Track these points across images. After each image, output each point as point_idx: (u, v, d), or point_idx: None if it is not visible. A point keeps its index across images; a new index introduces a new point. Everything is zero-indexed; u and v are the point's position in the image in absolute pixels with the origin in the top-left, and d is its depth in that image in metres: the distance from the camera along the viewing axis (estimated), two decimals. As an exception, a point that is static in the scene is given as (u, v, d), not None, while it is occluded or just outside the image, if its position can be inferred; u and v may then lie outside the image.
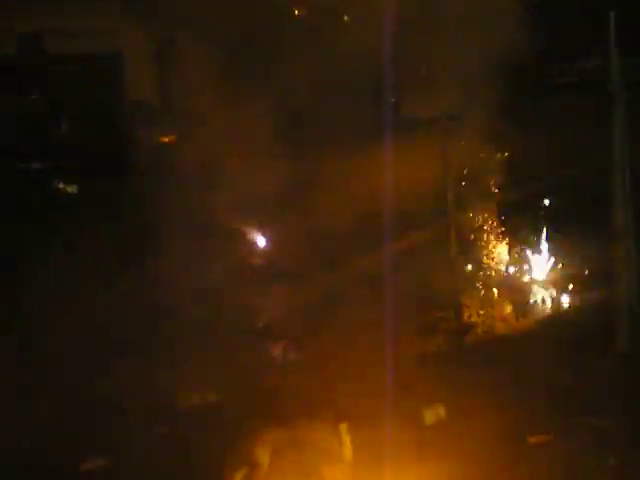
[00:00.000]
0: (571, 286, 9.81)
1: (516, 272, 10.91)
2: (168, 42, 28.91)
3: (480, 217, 12.94)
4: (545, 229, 11.56)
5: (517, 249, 11.72)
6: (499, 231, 11.72)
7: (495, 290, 9.97)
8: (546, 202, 12.65)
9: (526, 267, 11.77)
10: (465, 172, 11.48)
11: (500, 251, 11.93)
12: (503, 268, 11.06)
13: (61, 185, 15.89)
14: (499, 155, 16.37)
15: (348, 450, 5.25)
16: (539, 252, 11.26)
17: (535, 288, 10.38)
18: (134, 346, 8.99)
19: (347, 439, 5.22)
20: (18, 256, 11.93)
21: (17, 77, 20.52)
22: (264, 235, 12.07)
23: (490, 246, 11.18)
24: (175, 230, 11.86)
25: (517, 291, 10.16)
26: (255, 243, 11.82)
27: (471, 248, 11.40)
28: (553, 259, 10.66)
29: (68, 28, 24.95)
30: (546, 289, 10.63)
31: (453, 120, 13.66)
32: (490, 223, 11.99)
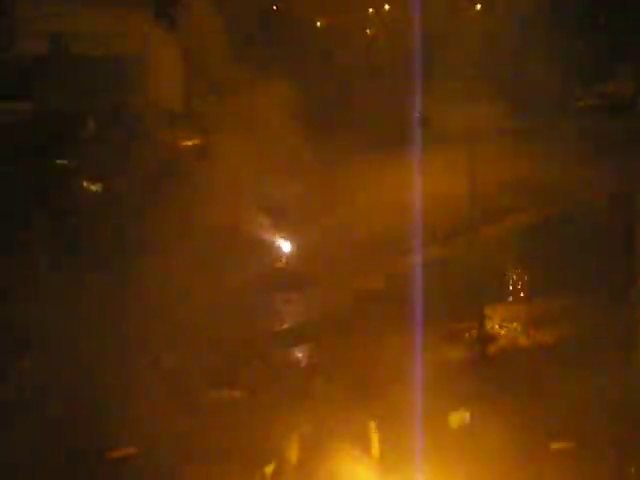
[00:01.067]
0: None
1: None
2: (192, 49, 29.20)
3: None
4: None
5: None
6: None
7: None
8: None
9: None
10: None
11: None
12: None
13: (85, 184, 16.09)
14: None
15: (376, 449, 5.40)
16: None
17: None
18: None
19: (375, 438, 5.37)
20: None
21: (47, 76, 20.76)
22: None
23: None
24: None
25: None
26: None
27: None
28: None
29: (94, 31, 25.26)
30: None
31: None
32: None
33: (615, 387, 6.40)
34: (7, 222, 12.45)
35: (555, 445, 5.43)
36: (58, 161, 14.68)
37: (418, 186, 17.24)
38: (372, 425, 5.39)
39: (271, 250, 10.47)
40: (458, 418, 5.82)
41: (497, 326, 7.99)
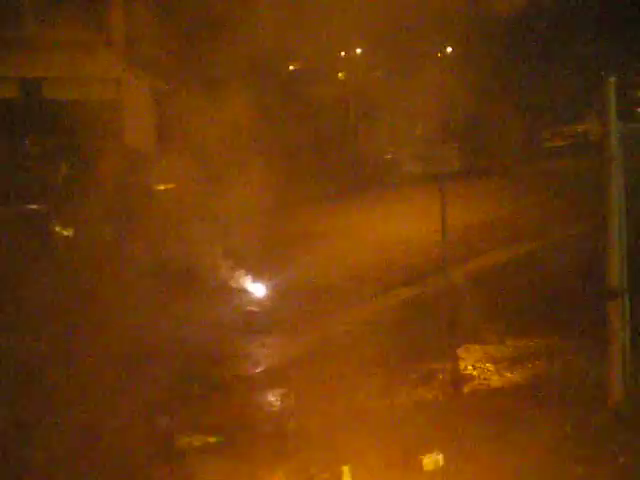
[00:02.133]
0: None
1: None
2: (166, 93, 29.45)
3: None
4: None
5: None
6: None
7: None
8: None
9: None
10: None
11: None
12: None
13: (58, 228, 16.04)
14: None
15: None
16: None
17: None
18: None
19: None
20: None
21: (19, 121, 20.79)
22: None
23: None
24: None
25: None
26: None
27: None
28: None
29: (67, 75, 25.33)
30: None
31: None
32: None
33: (587, 427, 6.42)
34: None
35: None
36: (29, 206, 14.63)
37: (388, 227, 17.43)
38: (346, 469, 5.34)
39: (243, 294, 10.48)
40: (432, 461, 5.79)
41: (470, 367, 7.99)
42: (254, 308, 9.81)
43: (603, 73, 6.76)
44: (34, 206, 15.47)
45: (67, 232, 15.83)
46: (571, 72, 39.97)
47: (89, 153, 20.34)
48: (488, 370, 7.74)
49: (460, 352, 8.00)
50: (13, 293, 11.86)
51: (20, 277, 12.71)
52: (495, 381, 7.40)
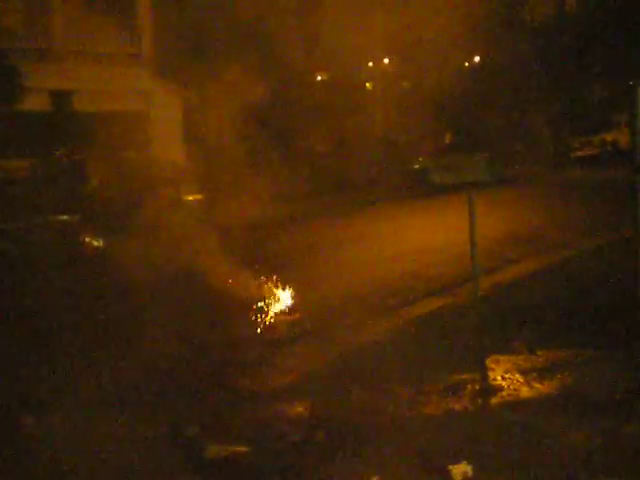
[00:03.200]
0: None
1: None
2: (195, 105, 29.59)
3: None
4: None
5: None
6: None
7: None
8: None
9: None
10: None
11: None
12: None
13: (88, 239, 16.19)
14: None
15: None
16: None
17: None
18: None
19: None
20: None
21: (49, 132, 20.99)
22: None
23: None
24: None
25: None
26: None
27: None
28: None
29: (97, 88, 25.56)
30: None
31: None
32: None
33: (619, 437, 6.36)
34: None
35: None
36: (60, 217, 14.78)
37: (417, 237, 17.42)
38: (375, 479, 5.34)
39: (270, 304, 10.50)
40: (461, 471, 5.76)
41: (499, 377, 7.95)
42: (281, 318, 9.82)
43: (632, 82, 6.73)
44: (65, 217, 15.61)
45: (97, 242, 15.97)
46: (600, 80, 39.80)
47: (119, 164, 20.52)
48: (517, 381, 7.70)
49: (489, 363, 7.97)
50: (43, 303, 11.96)
51: (50, 287, 12.83)
52: (524, 392, 7.36)
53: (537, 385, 7.68)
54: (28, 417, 7.30)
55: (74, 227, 15.20)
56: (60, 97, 25.07)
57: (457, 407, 7.24)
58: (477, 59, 44.34)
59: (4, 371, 8.88)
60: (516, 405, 7.21)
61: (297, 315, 10.20)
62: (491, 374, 7.91)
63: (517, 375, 8.00)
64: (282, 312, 10.20)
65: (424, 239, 17.28)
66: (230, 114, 31.51)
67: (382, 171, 32.77)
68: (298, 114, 36.18)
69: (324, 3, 33.90)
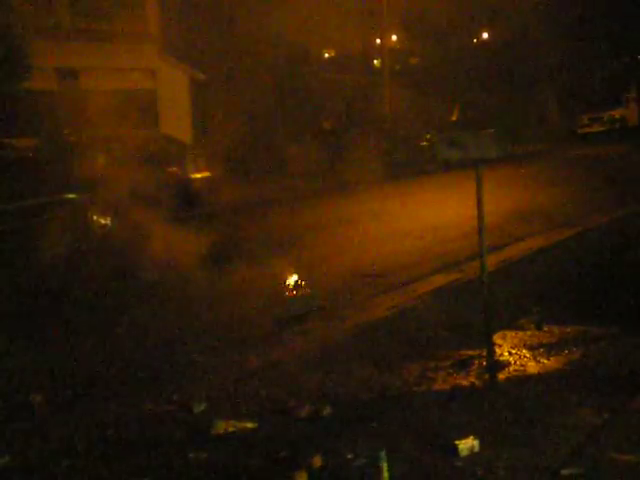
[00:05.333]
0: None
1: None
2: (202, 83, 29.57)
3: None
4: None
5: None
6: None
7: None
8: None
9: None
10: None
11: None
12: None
13: (95, 217, 16.19)
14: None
15: (385, 477, 5.36)
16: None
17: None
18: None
19: (385, 466, 5.33)
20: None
21: (56, 111, 20.97)
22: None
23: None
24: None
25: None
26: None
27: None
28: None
29: (104, 65, 25.53)
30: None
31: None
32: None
33: (626, 413, 6.37)
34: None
35: (565, 471, 5.39)
36: (67, 195, 14.79)
37: (425, 213, 17.41)
38: (382, 454, 5.36)
39: (279, 279, 10.50)
40: (468, 446, 5.78)
41: (507, 353, 7.96)
42: (290, 294, 9.85)
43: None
44: (72, 195, 15.61)
45: (105, 221, 15.98)
46: (609, 57, 39.54)
47: (126, 142, 20.49)
48: (524, 356, 7.71)
49: (496, 339, 7.98)
50: (52, 280, 12.01)
51: (59, 265, 12.87)
52: (531, 367, 7.38)
53: (544, 361, 7.69)
54: (38, 395, 7.34)
55: (82, 206, 15.21)
56: (66, 75, 25.06)
57: (464, 383, 7.26)
58: (485, 35, 44.12)
59: (17, 353, 8.93)
60: (523, 380, 7.23)
61: (306, 291, 10.20)
62: (498, 350, 7.93)
63: (524, 351, 8.01)
64: (291, 289, 10.21)
65: (432, 216, 17.26)
66: (238, 92, 31.45)
67: (390, 148, 32.69)
68: (306, 91, 36.08)
69: (331, -20, 33.75)
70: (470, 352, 7.93)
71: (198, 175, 21.04)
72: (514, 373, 7.41)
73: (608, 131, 35.50)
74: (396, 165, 31.34)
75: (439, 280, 11.24)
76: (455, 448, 5.80)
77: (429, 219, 16.82)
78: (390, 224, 16.72)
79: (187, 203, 20.04)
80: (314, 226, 17.26)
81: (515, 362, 7.69)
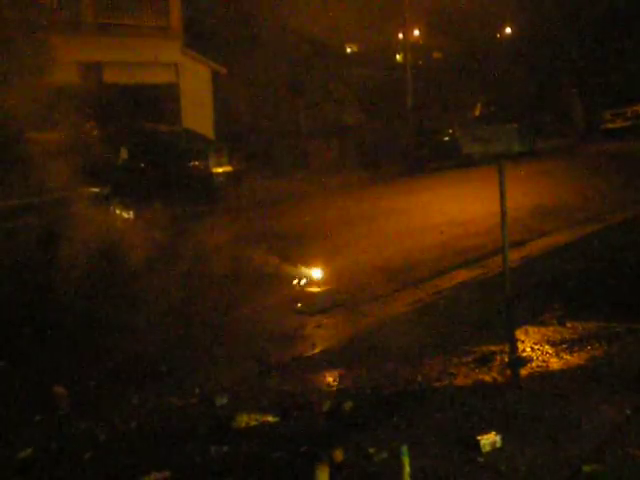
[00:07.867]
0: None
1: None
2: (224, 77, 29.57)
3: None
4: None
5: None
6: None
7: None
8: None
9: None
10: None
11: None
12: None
13: (118, 210, 16.25)
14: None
15: (407, 472, 5.35)
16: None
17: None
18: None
19: (407, 461, 5.32)
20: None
21: (79, 105, 21.03)
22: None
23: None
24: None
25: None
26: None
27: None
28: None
29: (126, 60, 25.59)
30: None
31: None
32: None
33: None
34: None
35: (587, 468, 5.37)
36: (90, 189, 14.84)
37: (447, 208, 17.37)
38: (404, 449, 5.34)
39: (301, 275, 10.51)
40: (490, 442, 5.76)
41: (529, 349, 7.93)
42: (312, 289, 9.85)
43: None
44: (95, 189, 15.65)
45: (127, 214, 16.05)
46: (633, 52, 39.25)
47: (149, 136, 20.54)
48: (547, 352, 7.68)
49: (518, 334, 7.94)
50: (74, 275, 12.05)
51: (81, 259, 12.91)
52: (554, 363, 7.34)
53: (567, 357, 7.65)
54: (60, 388, 7.37)
55: (105, 199, 15.25)
56: (89, 69, 25.15)
57: (486, 378, 7.23)
58: (508, 30, 43.90)
59: (39, 346, 8.99)
60: (545, 376, 7.19)
61: (327, 287, 10.20)
62: (520, 345, 7.89)
63: (546, 347, 7.97)
64: (312, 284, 10.22)
65: (453, 211, 17.21)
66: (259, 86, 31.44)
67: (413, 143, 32.60)
68: (328, 86, 36.03)
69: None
70: (492, 347, 7.90)
71: (220, 169, 21.06)
72: (536, 369, 7.37)
73: (632, 126, 35.25)
74: (418, 160, 31.27)
75: (461, 275, 11.21)
76: (477, 444, 5.78)
77: (452, 214, 16.78)
78: (410, 219, 16.70)
79: (209, 197, 20.09)
80: (337, 221, 17.26)
81: (537, 358, 7.66)
